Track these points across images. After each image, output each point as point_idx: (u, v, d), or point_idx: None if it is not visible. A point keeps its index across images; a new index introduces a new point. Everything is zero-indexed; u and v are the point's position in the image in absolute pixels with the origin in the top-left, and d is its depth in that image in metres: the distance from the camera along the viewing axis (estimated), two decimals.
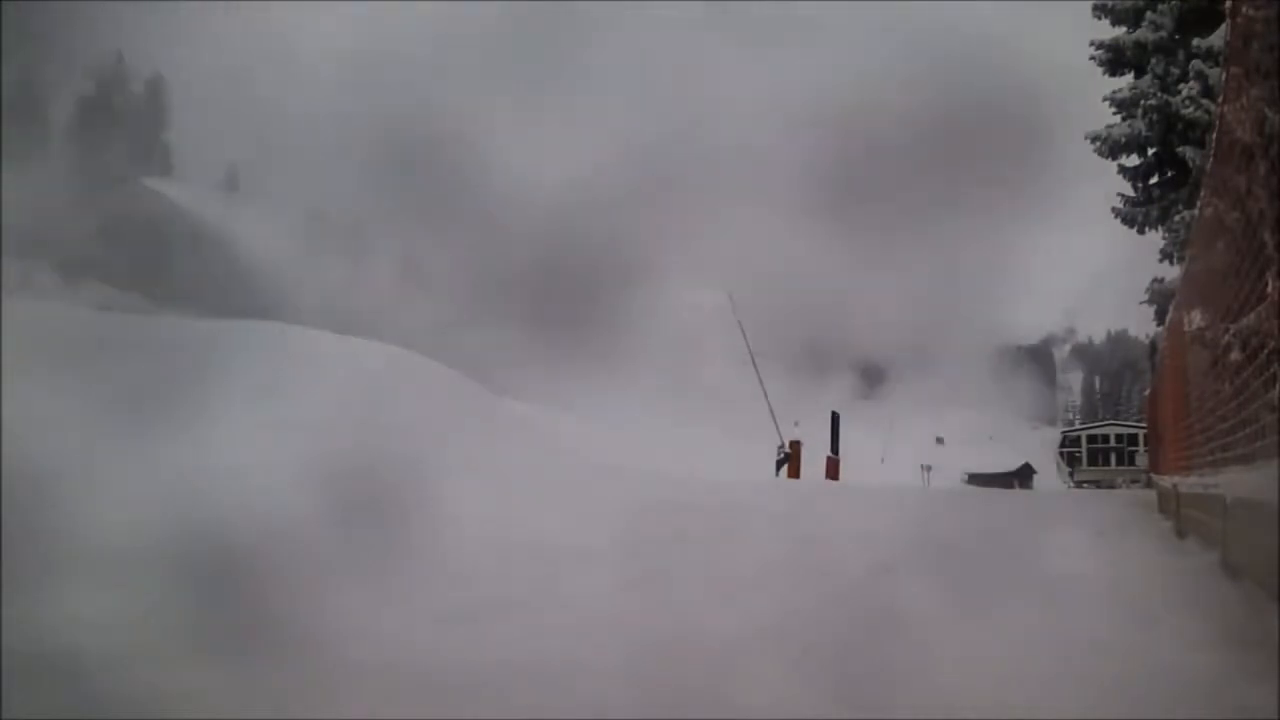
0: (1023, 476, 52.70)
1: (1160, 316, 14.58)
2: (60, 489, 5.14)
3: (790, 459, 19.02)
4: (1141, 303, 16.77)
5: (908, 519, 8.34)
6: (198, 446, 6.28)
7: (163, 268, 35.67)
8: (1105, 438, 57.41)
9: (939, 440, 59.94)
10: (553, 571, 5.66)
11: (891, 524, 7.75)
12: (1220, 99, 4.38)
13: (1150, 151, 16.51)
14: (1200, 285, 5.50)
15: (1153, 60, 16.05)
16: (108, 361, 7.90)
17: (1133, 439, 49.07)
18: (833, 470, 19.23)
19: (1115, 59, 16.69)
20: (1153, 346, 13.71)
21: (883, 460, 41.38)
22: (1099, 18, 16.91)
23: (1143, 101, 15.89)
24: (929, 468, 44.20)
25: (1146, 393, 15.09)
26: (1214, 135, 4.66)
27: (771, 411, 23.67)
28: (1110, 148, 16.44)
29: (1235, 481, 4.11)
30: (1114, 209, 16.98)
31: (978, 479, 44.14)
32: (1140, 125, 16.01)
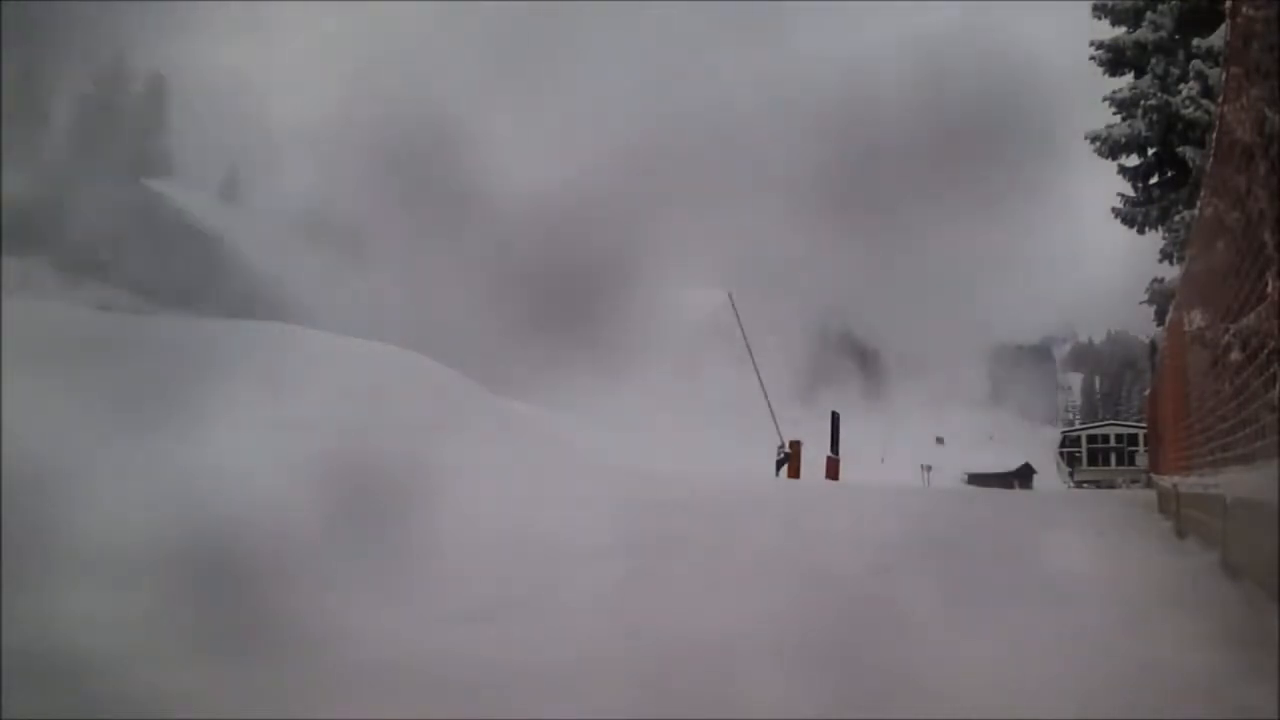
0: (1023, 476, 52.69)
1: (1160, 316, 14.59)
2: (60, 489, 5.13)
3: (790, 459, 19.06)
4: (1141, 303, 16.78)
5: (907, 519, 8.34)
6: (198, 446, 6.28)
7: (163, 268, 35.64)
8: (1105, 438, 57.42)
9: (939, 440, 59.96)
10: (552, 571, 5.67)
11: (891, 524, 7.76)
12: (1220, 99, 4.38)
13: (1150, 151, 16.52)
14: (1200, 285, 5.50)
15: (1153, 60, 16.06)
16: (108, 361, 7.90)
17: (1133, 439, 49.08)
18: (832, 470, 19.27)
19: (1115, 59, 16.70)
20: (1153, 346, 13.71)
21: (883, 460, 41.37)
22: (1099, 18, 16.93)
23: (1143, 101, 15.89)
24: (929, 468, 44.22)
25: (1146, 393, 15.10)
26: (1214, 135, 4.66)
27: (771, 411, 23.68)
28: (1110, 148, 16.45)
29: (1235, 481, 4.11)
30: (1114, 209, 16.99)
31: (978, 479, 44.13)
32: (1140, 125, 16.01)
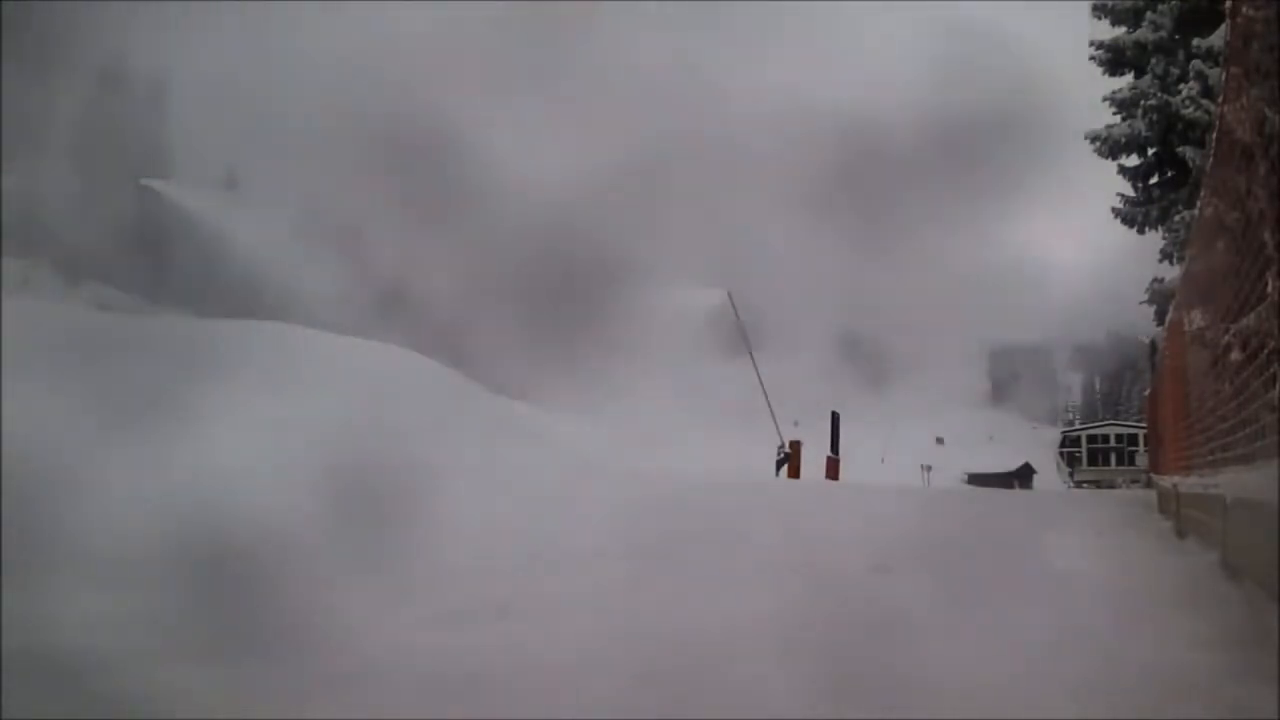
0: (1023, 476, 52.62)
1: (1160, 316, 14.58)
2: (60, 489, 5.13)
3: (790, 459, 19.04)
4: (1141, 303, 16.78)
5: (907, 519, 8.34)
6: (198, 446, 6.27)
7: (163, 268, 35.63)
8: (1105, 438, 57.37)
9: (939, 440, 59.88)
10: (553, 571, 5.67)
11: (891, 524, 7.75)
12: (1220, 99, 4.38)
13: (1150, 151, 16.51)
14: (1200, 285, 5.49)
15: (1153, 60, 16.05)
16: (108, 361, 7.90)
17: (1133, 439, 49.03)
18: (832, 470, 19.24)
19: (1115, 59, 16.69)
20: (1153, 346, 13.70)
21: (883, 460, 41.34)
22: (1099, 18, 16.92)
23: (1143, 101, 15.89)
24: (929, 468, 44.16)
25: (1146, 393, 15.09)
26: (1214, 135, 4.66)
27: (771, 411, 23.68)
28: (1110, 148, 16.44)
29: (1235, 481, 4.10)
30: (1114, 209, 16.98)
31: (978, 479, 44.07)
32: (1140, 125, 16.01)
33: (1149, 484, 12.71)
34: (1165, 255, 15.78)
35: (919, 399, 64.12)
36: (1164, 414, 9.29)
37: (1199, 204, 5.89)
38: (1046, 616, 4.38)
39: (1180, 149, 15.39)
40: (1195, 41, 14.61)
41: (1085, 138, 16.63)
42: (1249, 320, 3.41)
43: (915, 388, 65.40)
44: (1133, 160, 16.76)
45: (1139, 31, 16.25)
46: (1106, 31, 16.86)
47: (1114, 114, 16.60)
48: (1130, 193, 16.94)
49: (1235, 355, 3.73)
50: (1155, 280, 16.11)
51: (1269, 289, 3.03)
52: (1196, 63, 14.64)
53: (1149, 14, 16.15)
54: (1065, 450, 59.14)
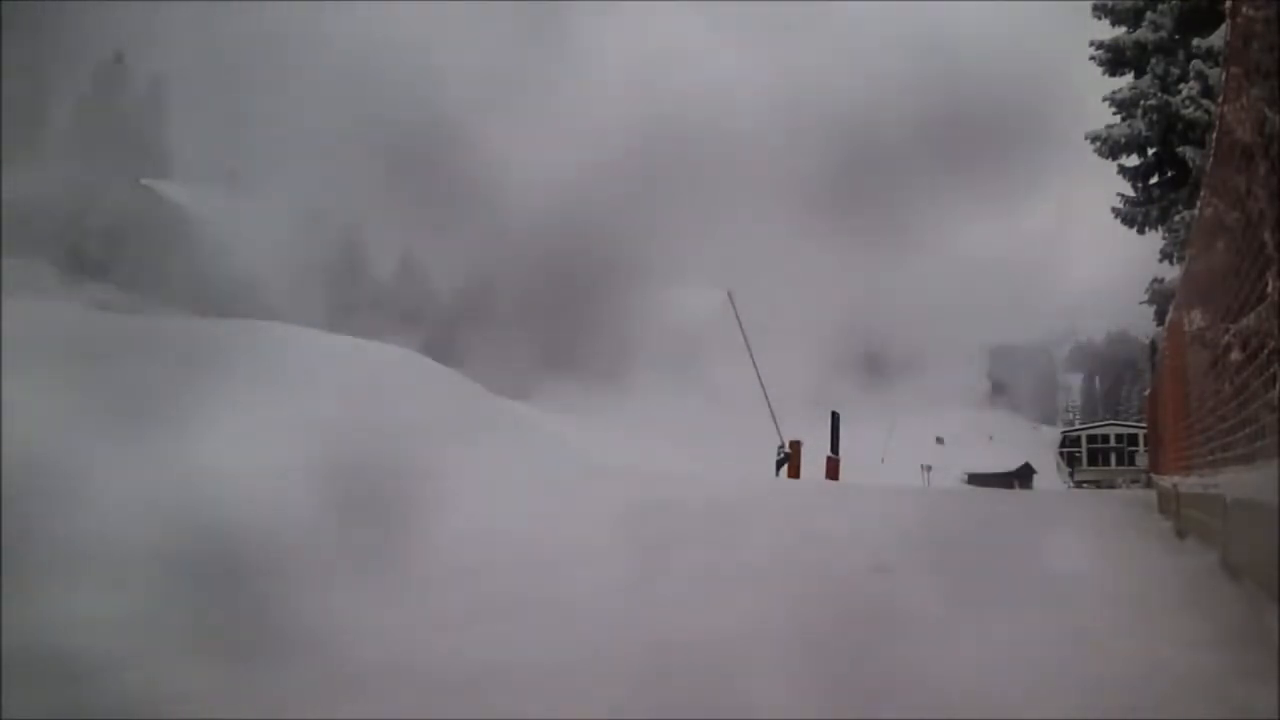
0: (1023, 476, 52.63)
1: (1160, 316, 14.57)
2: (60, 489, 5.13)
3: (790, 459, 19.04)
4: (1141, 303, 16.77)
5: (907, 519, 8.34)
6: (198, 446, 6.28)
7: (163, 268, 35.64)
8: (1105, 438, 57.36)
9: (939, 440, 59.86)
10: (552, 571, 5.67)
11: (891, 524, 7.75)
12: (1220, 99, 4.38)
13: (1150, 151, 16.50)
14: (1200, 285, 5.50)
15: (1153, 60, 16.05)
16: (108, 361, 7.90)
17: (1133, 439, 49.03)
18: (832, 470, 19.24)
19: (1115, 59, 16.68)
20: (1153, 346, 13.70)
21: (883, 460, 41.33)
22: (1099, 18, 16.91)
23: (1143, 101, 15.88)
24: (929, 467, 44.16)
25: (1146, 393, 15.09)
26: (1214, 135, 4.66)
27: (771, 411, 23.67)
28: (1110, 148, 16.44)
29: (1235, 481, 4.11)
30: (1114, 209, 16.97)
31: (978, 479, 44.08)
32: (1140, 125, 16.00)
33: (1149, 484, 12.71)
34: (1165, 255, 15.78)
35: (919, 399, 64.13)
36: (1164, 414, 9.29)
37: (1199, 204, 5.89)
38: (1046, 617, 4.38)
39: (1180, 149, 15.38)
40: (1195, 41, 14.60)
41: (1085, 138, 16.64)
42: (1249, 320, 3.41)
43: (915, 388, 65.43)
44: (1133, 160, 16.76)
45: (1139, 31, 16.25)
46: (1106, 31, 16.86)
47: (1114, 114, 16.60)
48: (1130, 193, 16.93)
49: (1235, 355, 3.73)
50: (1155, 280, 16.11)
51: (1269, 289, 3.03)
52: (1196, 63, 14.63)
53: (1149, 14, 16.14)
54: (1065, 450, 59.14)
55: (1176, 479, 7.21)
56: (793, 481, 16.50)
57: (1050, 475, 55.24)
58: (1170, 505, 7.82)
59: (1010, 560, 5.90)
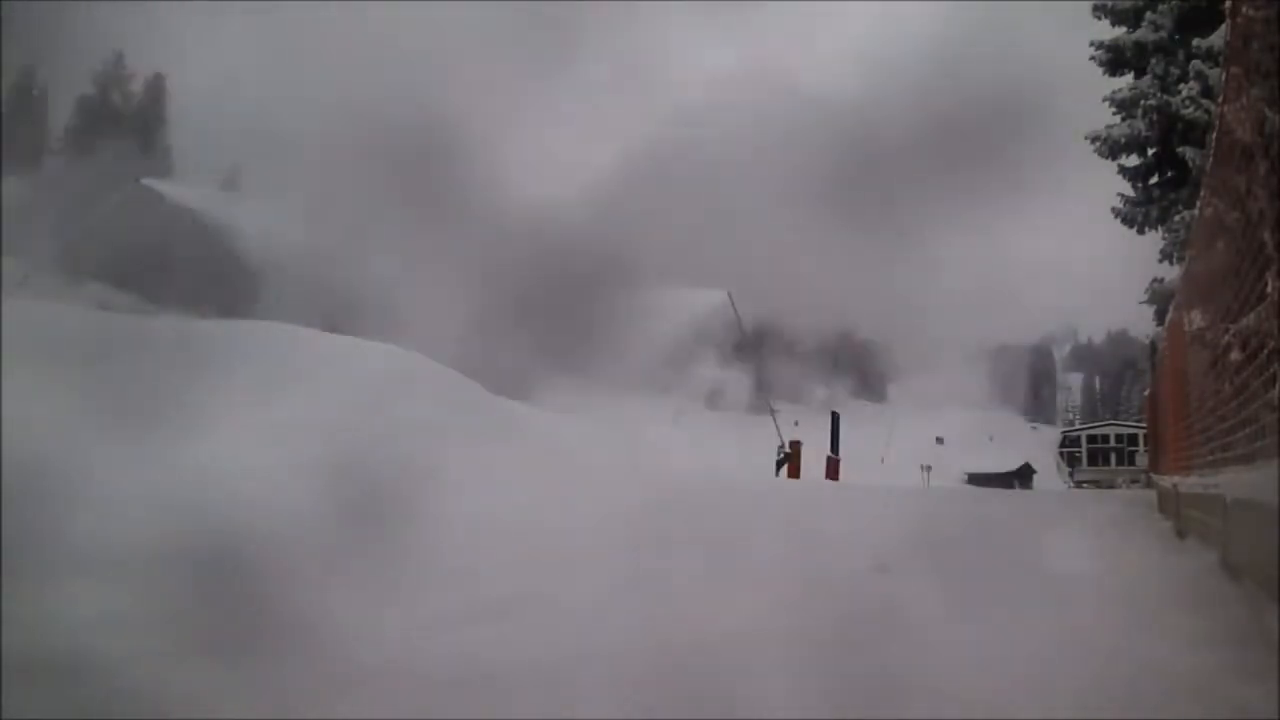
0: (1023, 476, 52.63)
1: (1160, 316, 14.56)
2: (60, 489, 5.13)
3: (790, 459, 19.05)
4: (1141, 303, 16.76)
5: (907, 519, 8.34)
6: (198, 446, 6.28)
7: (163, 268, 35.64)
8: (1105, 438, 57.37)
9: (939, 440, 59.86)
10: (553, 571, 5.66)
11: (891, 524, 7.75)
12: (1220, 99, 4.38)
13: (1150, 151, 16.50)
14: (1200, 285, 5.50)
15: (1153, 60, 16.04)
16: (108, 361, 7.90)
17: (1133, 439, 49.02)
18: (832, 470, 19.26)
19: (1115, 59, 16.68)
20: (1153, 347, 13.70)
21: (883, 460, 41.34)
22: (1099, 18, 16.90)
23: (1143, 101, 15.88)
24: (929, 468, 44.14)
25: (1146, 393, 15.09)
26: (1214, 135, 4.66)
27: (772, 411, 23.68)
28: (1110, 148, 16.43)
29: (1235, 481, 4.11)
30: (1114, 209, 16.97)
31: (978, 479, 44.07)
32: (1140, 125, 16.00)
33: (1149, 484, 12.71)
34: (1165, 255, 15.77)
35: (919, 399, 64.15)
36: (1164, 414, 9.29)
37: (1199, 204, 5.89)
38: (1046, 616, 4.38)
39: (1180, 149, 15.38)
40: (1195, 41, 14.59)
41: (1085, 138, 16.63)
42: (1249, 320, 3.41)
43: (915, 388, 65.45)
44: (1133, 160, 16.75)
45: (1139, 31, 16.24)
46: (1106, 31, 16.86)
47: (1114, 114, 16.60)
48: (1130, 193, 16.93)
49: (1235, 355, 3.73)
50: (1155, 280, 16.10)
51: (1269, 289, 3.03)
52: (1196, 63, 14.62)
53: (1149, 14, 16.14)
54: (1065, 450, 59.14)
55: (1176, 479, 7.21)
56: (793, 481, 16.51)
57: (1050, 475, 55.23)
58: (1170, 505, 7.82)
59: (1010, 560, 5.90)
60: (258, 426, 7.21)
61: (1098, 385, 77.01)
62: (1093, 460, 56.36)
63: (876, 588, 5.30)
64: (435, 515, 6.17)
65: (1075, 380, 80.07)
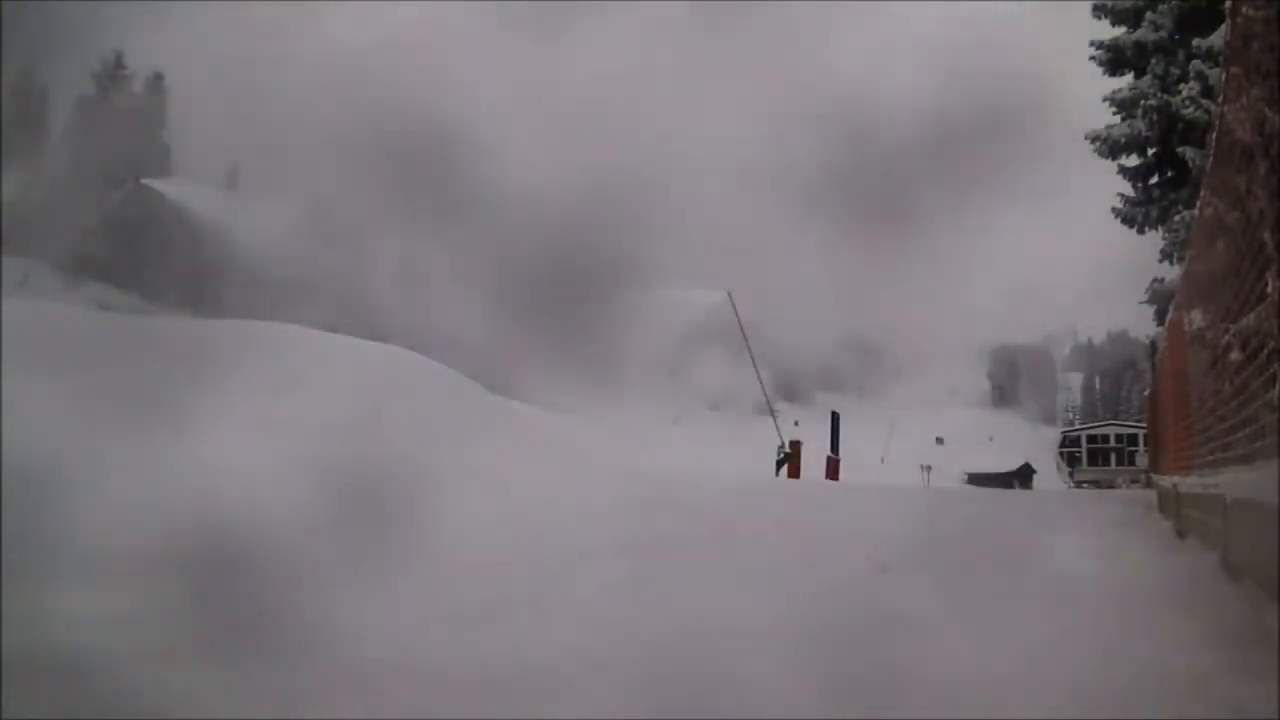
0: (1022, 476, 52.61)
1: (1160, 316, 14.57)
2: (60, 489, 5.13)
3: (790, 459, 19.04)
4: (1141, 303, 16.77)
5: (907, 519, 8.34)
6: (198, 447, 6.28)
7: (163, 268, 35.64)
8: (1105, 438, 57.29)
9: (939, 440, 59.85)
10: (553, 571, 5.67)
11: (891, 524, 7.75)
12: (1220, 99, 4.38)
13: (1150, 151, 16.49)
14: (1200, 285, 5.50)
15: (1153, 60, 16.04)
16: (108, 361, 7.90)
17: (1133, 439, 48.96)
18: (832, 470, 19.25)
19: (1115, 59, 16.68)
20: (1153, 346, 13.71)
21: (883, 460, 41.33)
22: (1099, 18, 16.90)
23: (1143, 101, 15.88)
24: (929, 468, 44.10)
25: (1146, 393, 15.09)
26: (1214, 135, 4.66)
27: (771, 411, 23.69)
28: (1110, 148, 16.43)
29: (1235, 481, 4.11)
30: (1114, 209, 16.97)
31: (978, 479, 44.06)
32: (1140, 125, 15.99)
33: (1149, 484, 12.71)
34: (1165, 255, 15.77)
35: (919, 399, 64.16)
36: (1164, 414, 9.29)
37: (1199, 204, 5.89)
38: (1046, 616, 4.38)
39: (1180, 149, 15.37)
40: (1195, 41, 14.59)
41: (1085, 138, 16.62)
42: (1249, 320, 3.41)
43: (915, 388, 65.44)
44: (1133, 160, 16.76)
45: (1139, 31, 16.24)
46: (1107, 31, 16.86)
47: (1114, 114, 16.59)
48: (1130, 193, 16.93)
49: (1235, 355, 3.73)
50: (1155, 280, 16.10)
51: (1269, 289, 3.03)
52: (1196, 63, 14.62)
53: (1149, 14, 16.14)
54: (1065, 450, 59.06)
55: (1176, 479, 7.22)
56: (793, 481, 16.51)
57: (1050, 475, 55.20)
58: (1170, 505, 7.82)
59: (1010, 560, 5.90)
60: (258, 426, 7.21)
61: (1098, 385, 76.98)
62: (1093, 460, 56.30)
63: (876, 588, 5.30)
64: (435, 515, 6.17)
65: (1075, 380, 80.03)
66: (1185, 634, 3.92)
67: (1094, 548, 6.57)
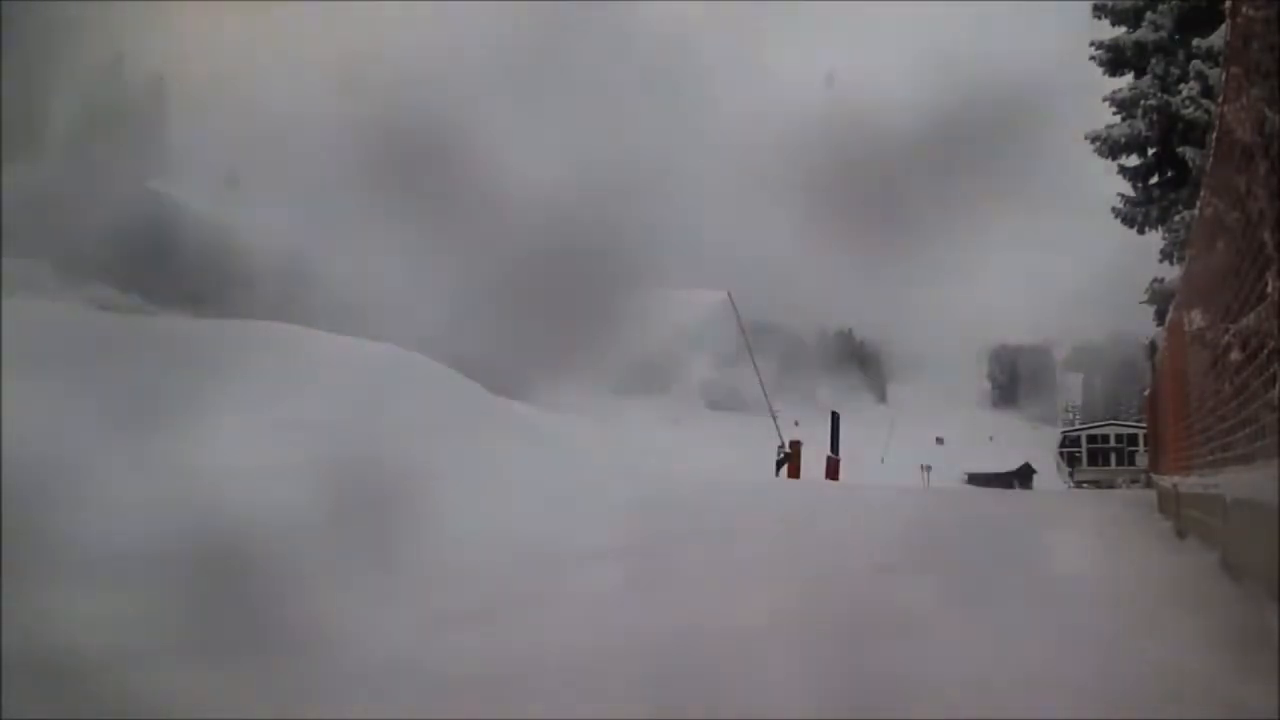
0: (1022, 476, 52.60)
1: (1160, 316, 14.56)
2: (60, 489, 5.13)
3: (790, 459, 19.06)
4: (1141, 303, 16.77)
5: (907, 519, 8.34)
6: (198, 447, 6.28)
7: (163, 268, 35.62)
8: (1105, 438, 57.27)
9: (939, 440, 59.85)
10: (553, 572, 5.67)
11: (891, 524, 7.76)
12: (1220, 99, 4.38)
13: (1150, 151, 16.50)
14: (1200, 285, 5.50)
15: (1153, 60, 16.04)
16: (108, 361, 7.90)
17: (1133, 439, 48.93)
18: (833, 470, 19.27)
19: (1115, 59, 16.68)
20: (1153, 346, 13.71)
21: (883, 460, 41.33)
22: (1099, 18, 16.90)
23: (1143, 101, 15.88)
24: (929, 468, 44.10)
25: (1146, 393, 15.10)
26: (1214, 135, 4.66)
27: (771, 411, 23.69)
28: (1110, 148, 16.43)
29: (1235, 481, 4.11)
30: (1114, 209, 16.97)
31: (978, 479, 44.04)
32: (1140, 125, 16.00)
33: (1149, 484, 12.71)
34: (1165, 255, 15.78)
35: (919, 399, 64.19)
36: (1164, 414, 9.29)
37: (1199, 204, 5.89)
38: (1047, 616, 4.38)
39: (1180, 149, 15.38)
40: (1195, 41, 14.60)
41: (1085, 138, 16.63)
42: (1249, 320, 3.41)
43: (915, 388, 65.47)
44: (1133, 160, 16.76)
45: (1139, 31, 16.24)
46: (1107, 31, 16.86)
47: (1114, 114, 16.60)
48: (1130, 193, 16.93)
49: (1235, 355, 3.73)
50: (1155, 280, 16.11)
51: (1269, 289, 3.03)
52: (1196, 63, 14.63)
53: (1149, 14, 16.14)
54: (1065, 450, 59.04)
55: (1176, 479, 7.22)
56: (793, 481, 16.52)
57: (1050, 475, 55.20)
58: (1170, 505, 7.82)
59: (1010, 560, 5.90)
60: (258, 426, 7.21)
61: (1098, 385, 76.96)
62: (1093, 460, 56.28)
63: (876, 588, 5.30)
64: (435, 515, 6.17)
65: (1075, 380, 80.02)
66: (1185, 634, 3.92)
67: (1094, 548, 6.57)
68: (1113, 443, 55.89)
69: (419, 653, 4.01)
